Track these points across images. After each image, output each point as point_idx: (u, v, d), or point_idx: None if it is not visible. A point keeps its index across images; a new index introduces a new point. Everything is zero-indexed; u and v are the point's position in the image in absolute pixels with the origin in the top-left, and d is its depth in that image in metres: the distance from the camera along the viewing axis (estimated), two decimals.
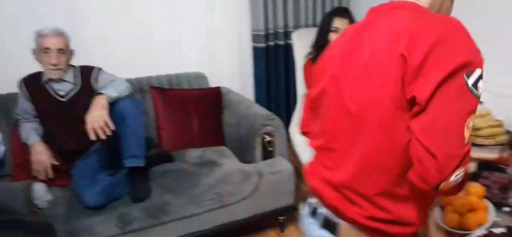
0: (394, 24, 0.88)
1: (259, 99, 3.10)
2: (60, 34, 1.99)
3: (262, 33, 3.05)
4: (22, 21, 2.28)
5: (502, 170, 1.67)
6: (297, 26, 3.13)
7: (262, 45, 3.08)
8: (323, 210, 1.00)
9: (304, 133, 1.22)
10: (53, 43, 1.95)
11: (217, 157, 2.22)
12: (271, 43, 3.13)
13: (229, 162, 2.17)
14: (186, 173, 2.08)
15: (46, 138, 2.05)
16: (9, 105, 2.12)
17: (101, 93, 1.88)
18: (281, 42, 3.11)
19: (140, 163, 1.95)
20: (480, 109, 2.04)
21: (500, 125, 2.03)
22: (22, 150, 2.02)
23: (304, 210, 1.10)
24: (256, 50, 3.10)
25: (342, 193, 0.95)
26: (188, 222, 1.94)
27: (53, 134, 2.06)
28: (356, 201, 0.93)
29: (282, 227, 2.28)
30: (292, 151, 2.45)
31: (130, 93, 2.04)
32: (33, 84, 2.04)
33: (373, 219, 0.92)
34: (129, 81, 2.35)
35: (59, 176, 2.00)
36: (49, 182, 1.95)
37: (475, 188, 1.47)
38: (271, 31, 3.11)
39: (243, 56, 3.11)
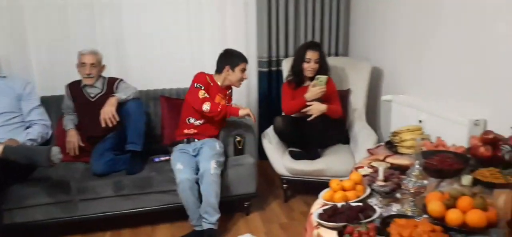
0: None
1: (262, 113, 3.72)
2: (93, 53, 2.81)
3: (266, 59, 3.67)
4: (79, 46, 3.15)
5: None
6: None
7: (266, 69, 3.70)
8: None
9: None
10: (88, 59, 2.77)
11: None
12: (274, 68, 3.73)
13: None
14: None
15: (79, 127, 2.86)
16: (59, 102, 2.97)
17: (113, 95, 2.65)
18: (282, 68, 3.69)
19: (137, 148, 2.66)
20: (413, 125, 2.47)
21: (424, 139, 2.39)
22: (62, 134, 2.86)
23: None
24: (260, 74, 3.72)
25: None
26: (167, 195, 2.59)
27: (84, 124, 2.86)
28: None
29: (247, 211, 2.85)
30: None
31: (136, 97, 2.79)
32: (74, 88, 2.88)
33: None
34: (149, 91, 3.15)
35: (84, 155, 2.79)
36: (76, 158, 2.76)
37: (356, 175, 1.93)
38: (273, 59, 3.71)
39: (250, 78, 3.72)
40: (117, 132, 2.75)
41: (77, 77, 2.89)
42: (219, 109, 2.67)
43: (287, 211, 2.90)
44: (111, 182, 2.52)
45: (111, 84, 2.89)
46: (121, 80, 2.93)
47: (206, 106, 2.67)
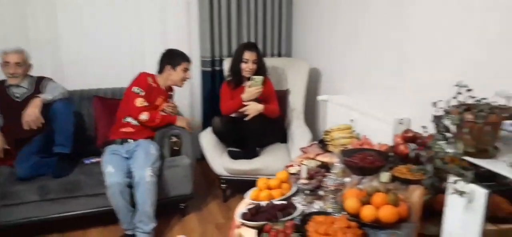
0: None
1: (206, 112, 3.69)
2: (18, 51, 2.65)
3: (209, 59, 3.64)
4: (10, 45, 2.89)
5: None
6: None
7: (209, 69, 3.66)
8: None
9: None
10: (12, 58, 2.62)
11: None
12: (217, 68, 3.70)
13: None
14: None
15: (5, 129, 2.69)
16: None
17: (38, 96, 2.52)
18: None
19: (65, 150, 2.55)
20: (343, 124, 2.51)
21: (352, 137, 2.46)
22: None
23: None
24: (203, 73, 3.68)
25: None
26: (97, 199, 2.49)
27: (10, 125, 2.68)
28: None
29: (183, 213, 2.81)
30: None
31: (64, 97, 2.66)
32: None
33: None
34: (83, 91, 3.02)
35: (9, 158, 2.62)
36: (0, 161, 2.59)
37: (282, 173, 1.95)
38: (216, 58, 3.68)
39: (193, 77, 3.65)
40: (44, 134, 2.61)
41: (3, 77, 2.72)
42: (158, 121, 2.70)
43: (225, 211, 2.89)
44: (36, 186, 2.39)
45: (39, 83, 2.74)
46: (50, 79, 2.80)
47: (143, 116, 2.66)
